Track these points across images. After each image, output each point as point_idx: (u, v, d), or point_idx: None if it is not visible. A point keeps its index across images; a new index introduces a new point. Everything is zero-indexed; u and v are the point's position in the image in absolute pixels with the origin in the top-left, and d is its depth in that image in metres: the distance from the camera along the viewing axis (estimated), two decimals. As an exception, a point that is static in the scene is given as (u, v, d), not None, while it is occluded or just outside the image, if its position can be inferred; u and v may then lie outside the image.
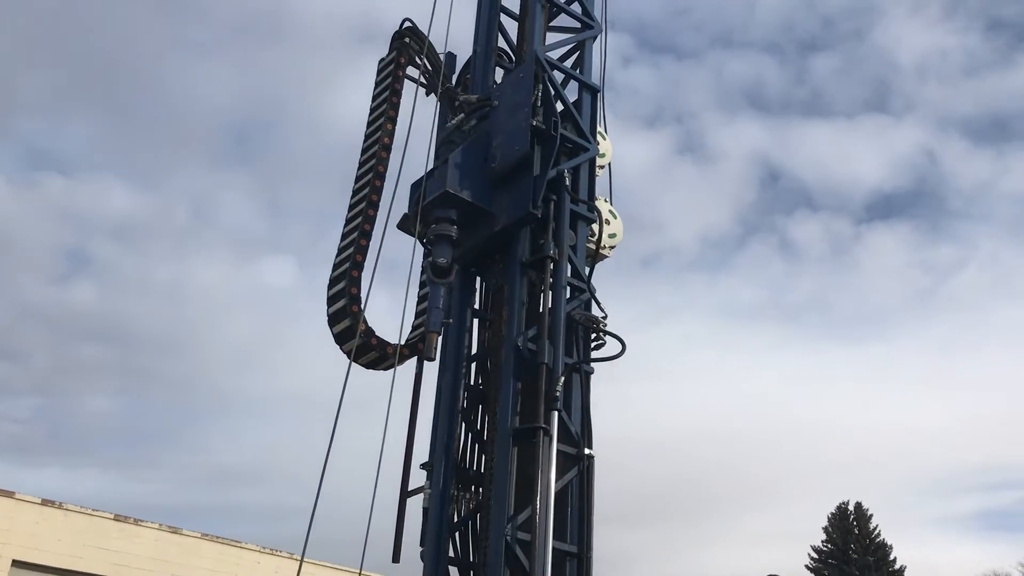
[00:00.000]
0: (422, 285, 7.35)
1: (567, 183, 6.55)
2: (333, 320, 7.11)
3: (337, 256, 7.48)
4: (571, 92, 7.25)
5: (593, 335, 6.41)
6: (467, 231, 6.63)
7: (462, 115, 7.16)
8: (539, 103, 6.61)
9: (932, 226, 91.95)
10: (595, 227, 6.86)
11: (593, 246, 6.84)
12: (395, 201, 7.24)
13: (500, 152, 6.71)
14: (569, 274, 6.43)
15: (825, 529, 51.89)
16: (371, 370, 7.10)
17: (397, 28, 8.24)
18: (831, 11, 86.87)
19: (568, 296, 6.35)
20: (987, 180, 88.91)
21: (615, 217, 7.26)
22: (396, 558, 6.50)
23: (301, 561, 5.99)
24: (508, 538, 5.53)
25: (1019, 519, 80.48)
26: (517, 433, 5.86)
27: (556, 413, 5.82)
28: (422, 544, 6.27)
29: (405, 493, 6.65)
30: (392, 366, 7.23)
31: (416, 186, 7.10)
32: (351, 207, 7.64)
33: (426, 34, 7.94)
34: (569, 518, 5.83)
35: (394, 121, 7.83)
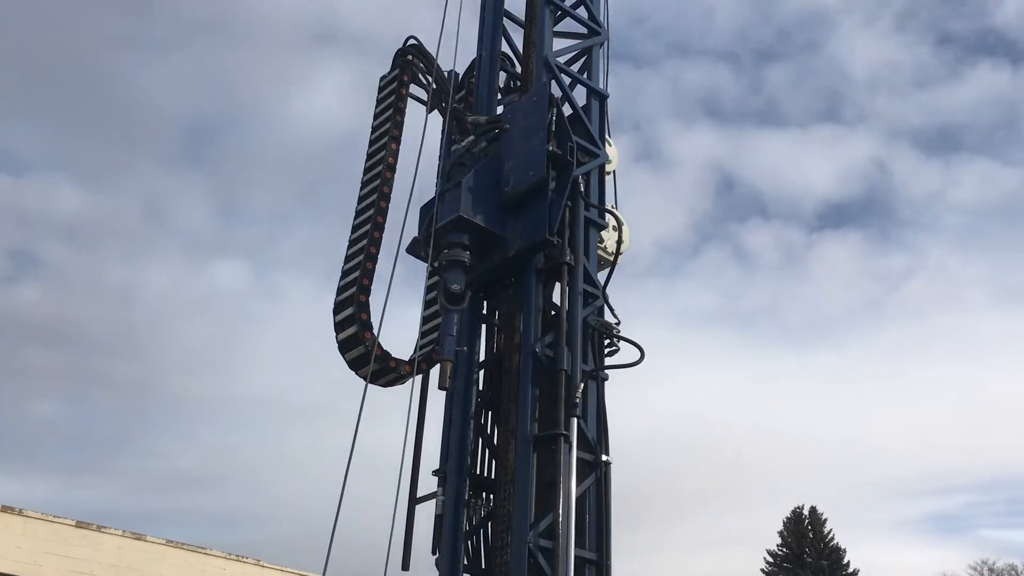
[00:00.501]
0: (428, 291, 7.28)
1: (581, 189, 6.55)
2: (345, 346, 6.95)
3: (341, 280, 7.31)
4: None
5: (607, 341, 6.42)
6: (478, 256, 6.44)
7: (472, 137, 6.99)
8: (553, 127, 6.49)
9: (882, 235, 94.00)
10: (606, 233, 6.88)
11: (606, 253, 6.85)
12: (401, 220, 7.09)
13: (513, 176, 6.56)
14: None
15: (780, 533, 52.52)
16: (386, 388, 7.07)
17: (400, 46, 8.08)
18: (786, 22, 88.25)
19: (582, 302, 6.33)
20: (936, 191, 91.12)
21: (623, 224, 7.26)
22: (406, 565, 6.43)
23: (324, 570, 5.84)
24: (531, 545, 5.49)
25: (967, 522, 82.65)
26: (537, 440, 5.82)
27: (575, 419, 5.81)
28: (434, 552, 6.21)
29: (414, 500, 6.59)
30: (391, 383, 7.19)
31: (426, 209, 6.91)
32: (355, 228, 7.43)
33: (434, 54, 7.74)
34: (587, 525, 5.82)
35: (399, 141, 7.66)
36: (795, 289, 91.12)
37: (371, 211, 7.33)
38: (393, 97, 7.79)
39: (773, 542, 52.31)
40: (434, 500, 6.36)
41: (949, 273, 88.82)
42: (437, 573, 6.13)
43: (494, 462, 6.54)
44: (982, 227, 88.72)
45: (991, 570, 53.38)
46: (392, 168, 7.48)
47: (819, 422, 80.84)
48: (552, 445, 5.75)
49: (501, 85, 7.83)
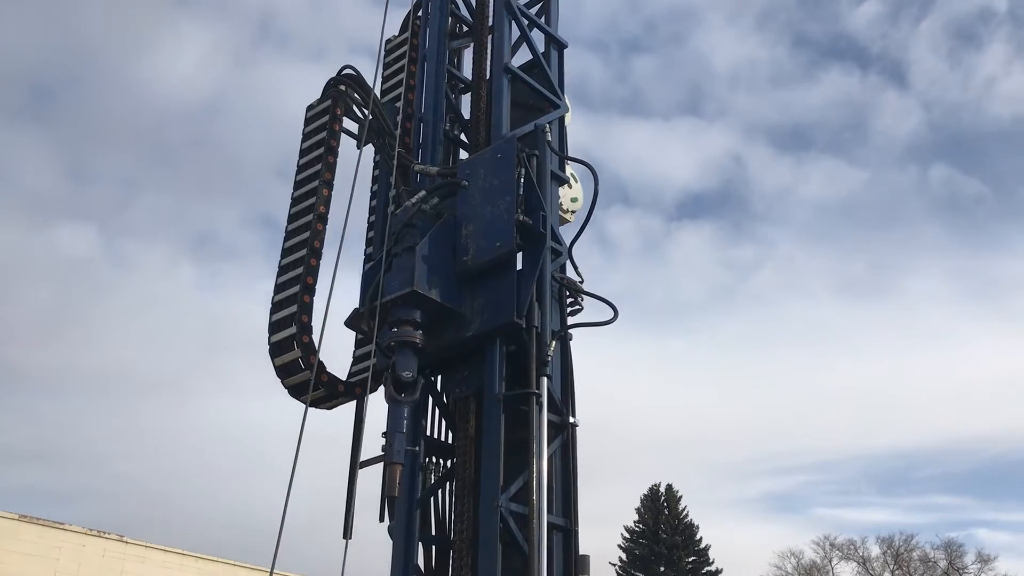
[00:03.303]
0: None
1: (548, 139, 6.21)
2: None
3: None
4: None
5: (569, 299, 6.13)
6: (429, 334, 5.67)
7: (422, 192, 6.16)
8: (521, 191, 5.80)
9: (736, 227, 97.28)
10: (566, 189, 6.58)
11: (560, 211, 6.55)
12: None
13: (474, 244, 5.82)
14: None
15: (637, 510, 53.84)
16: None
17: (335, 74, 6.87)
18: (653, 14, 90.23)
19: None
20: (787, 186, 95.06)
21: (576, 181, 6.98)
22: (347, 533, 5.97)
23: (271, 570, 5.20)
24: (502, 510, 5.16)
25: (800, 501, 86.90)
26: (506, 400, 5.48)
27: (545, 379, 5.50)
28: (381, 519, 5.78)
29: (356, 464, 6.14)
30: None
31: (369, 276, 6.05)
32: (279, 288, 6.28)
33: (371, 85, 6.74)
34: (554, 490, 5.53)
35: (331, 186, 6.58)
36: (653, 275, 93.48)
37: (300, 269, 6.19)
38: (324, 134, 6.70)
39: (630, 519, 53.67)
40: (382, 464, 5.92)
41: (795, 265, 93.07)
42: (388, 541, 5.72)
43: (444, 422, 6.18)
44: (827, 222, 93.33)
45: (832, 545, 56.66)
46: (323, 219, 6.43)
47: (672, 404, 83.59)
48: (523, 405, 5.43)
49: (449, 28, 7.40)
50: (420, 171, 6.47)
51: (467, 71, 7.42)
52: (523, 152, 5.94)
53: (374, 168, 7.21)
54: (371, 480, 6.04)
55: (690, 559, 52.04)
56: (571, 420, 5.74)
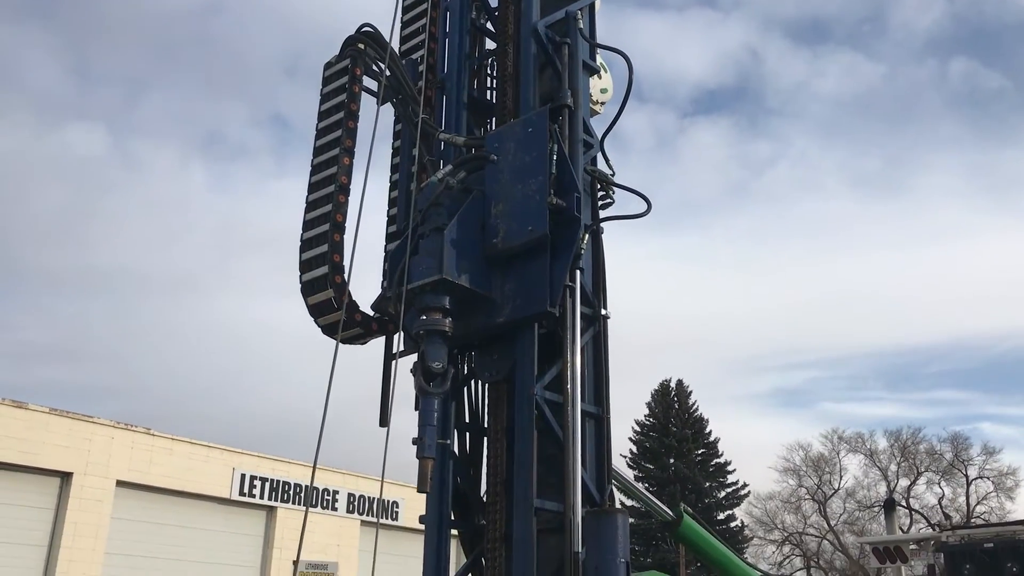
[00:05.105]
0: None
1: (580, 25, 6.10)
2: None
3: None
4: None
5: (600, 192, 6.11)
6: (458, 318, 5.46)
7: (449, 167, 5.85)
8: (554, 169, 5.51)
9: (751, 122, 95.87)
10: (595, 80, 6.48)
11: (590, 102, 6.46)
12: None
13: (504, 226, 5.57)
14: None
15: (648, 404, 54.93)
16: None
17: (353, 32, 6.64)
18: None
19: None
20: (803, 81, 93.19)
21: (606, 71, 6.88)
22: (384, 421, 6.16)
23: (314, 469, 5.37)
24: (538, 398, 5.27)
25: (809, 396, 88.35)
26: (542, 292, 5.53)
27: (579, 271, 5.55)
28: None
29: (391, 355, 6.26)
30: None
31: (396, 256, 5.83)
32: (304, 265, 6.20)
33: (388, 40, 6.47)
34: (585, 379, 5.64)
35: (352, 154, 6.35)
36: (666, 172, 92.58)
37: (324, 247, 6.09)
38: (343, 96, 6.45)
39: (641, 413, 54.73)
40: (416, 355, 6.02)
41: (808, 161, 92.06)
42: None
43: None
44: (843, 118, 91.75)
45: (840, 438, 57.83)
46: (345, 190, 6.22)
47: (684, 301, 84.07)
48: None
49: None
50: (445, 140, 6.29)
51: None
52: (554, 125, 5.68)
53: (395, 137, 6.99)
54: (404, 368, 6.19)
55: (699, 452, 53.27)
56: (603, 312, 5.80)
